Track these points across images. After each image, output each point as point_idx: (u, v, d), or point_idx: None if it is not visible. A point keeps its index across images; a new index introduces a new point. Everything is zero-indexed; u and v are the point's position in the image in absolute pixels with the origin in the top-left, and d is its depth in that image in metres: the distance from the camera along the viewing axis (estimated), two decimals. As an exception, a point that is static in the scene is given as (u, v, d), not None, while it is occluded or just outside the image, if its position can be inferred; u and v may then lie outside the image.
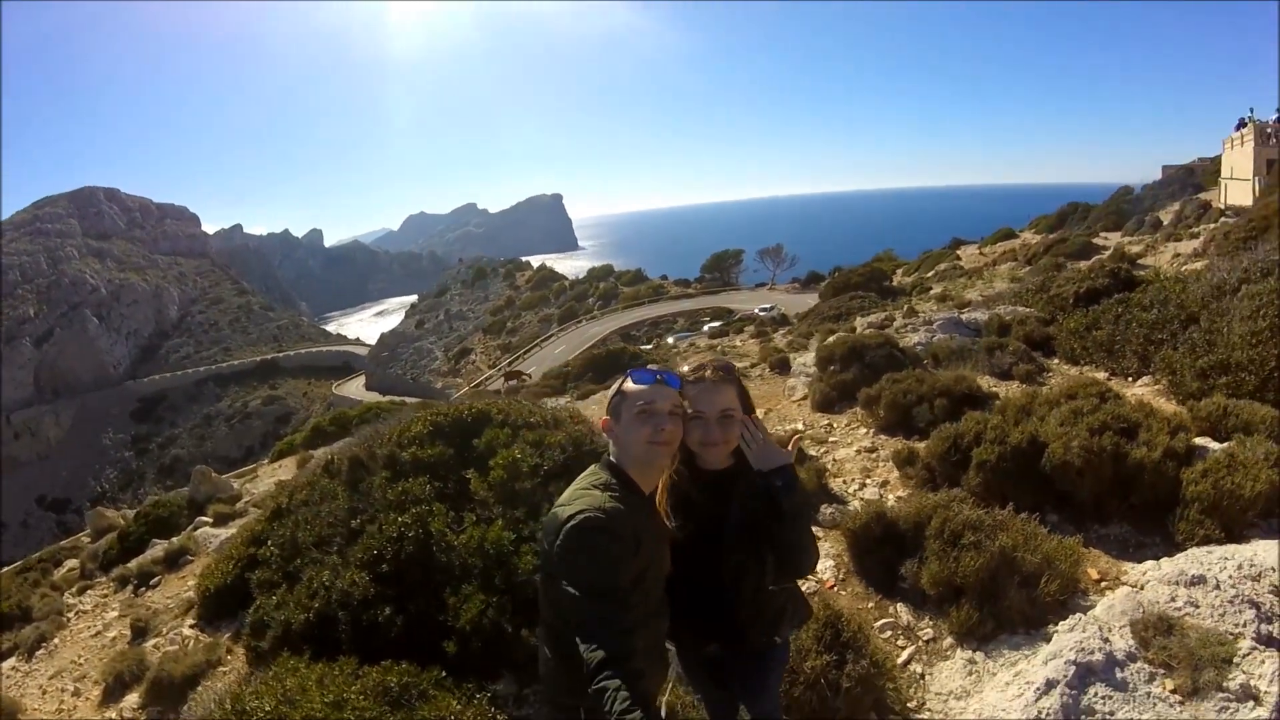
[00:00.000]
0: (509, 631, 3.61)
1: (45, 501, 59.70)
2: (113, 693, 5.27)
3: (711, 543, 1.84)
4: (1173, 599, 2.70)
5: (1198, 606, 2.64)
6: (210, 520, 8.93)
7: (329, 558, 4.61)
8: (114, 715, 5.02)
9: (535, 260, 71.75)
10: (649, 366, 1.84)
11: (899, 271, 33.57)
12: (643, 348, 28.99)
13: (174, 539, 8.42)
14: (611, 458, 1.79)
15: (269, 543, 5.24)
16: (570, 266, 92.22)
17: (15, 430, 65.47)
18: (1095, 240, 25.14)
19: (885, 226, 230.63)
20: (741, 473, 1.84)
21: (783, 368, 10.10)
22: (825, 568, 4.41)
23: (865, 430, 6.70)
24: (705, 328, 35.14)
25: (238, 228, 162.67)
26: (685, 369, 1.87)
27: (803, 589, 2.16)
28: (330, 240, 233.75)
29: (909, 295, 20.34)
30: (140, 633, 6.05)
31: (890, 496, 5.22)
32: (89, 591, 8.16)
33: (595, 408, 9.80)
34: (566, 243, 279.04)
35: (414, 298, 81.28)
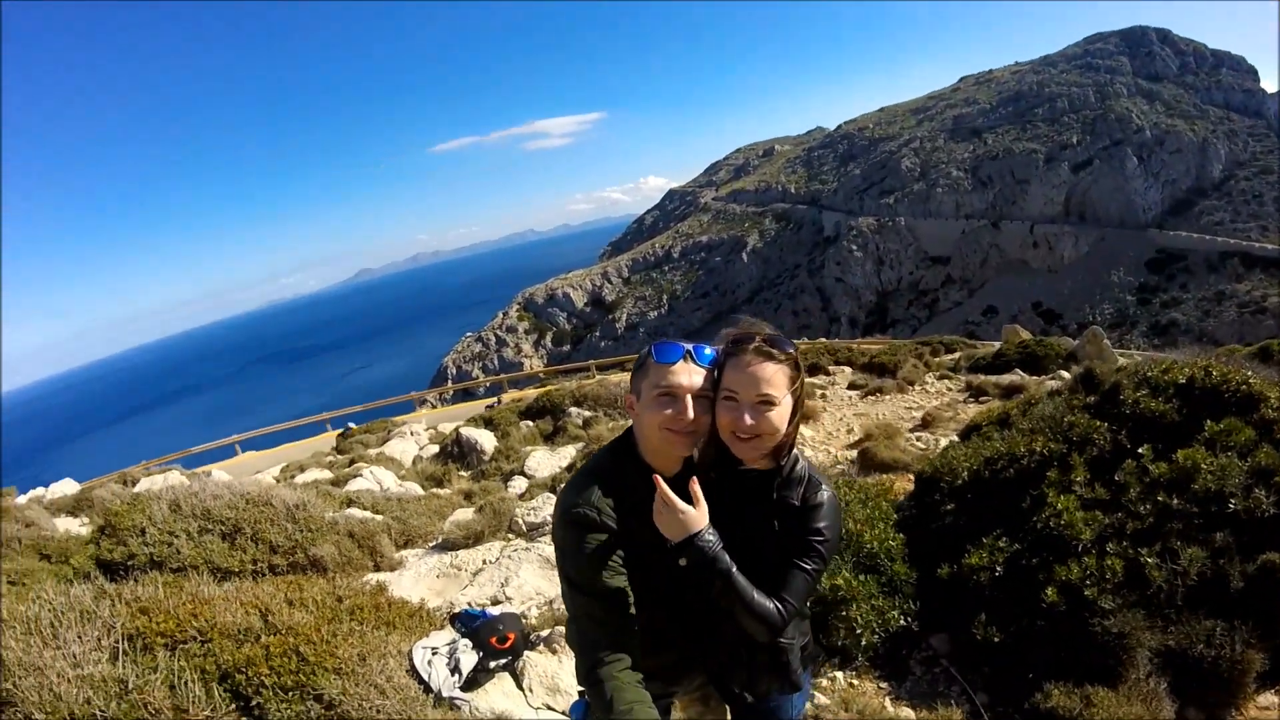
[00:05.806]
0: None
1: (1039, 308, 65.92)
2: (854, 443, 7.92)
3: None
4: None
5: None
6: (1052, 377, 9.25)
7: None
8: (844, 454, 7.57)
9: None
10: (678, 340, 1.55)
11: None
12: None
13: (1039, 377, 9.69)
14: (630, 439, 1.62)
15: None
16: None
17: (1035, 240, 71.53)
18: None
19: None
20: (773, 478, 1.58)
21: None
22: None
23: None
24: None
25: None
26: (725, 336, 1.57)
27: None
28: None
29: None
30: (927, 424, 8.20)
31: None
32: (928, 378, 11.42)
33: None
34: None
35: None
